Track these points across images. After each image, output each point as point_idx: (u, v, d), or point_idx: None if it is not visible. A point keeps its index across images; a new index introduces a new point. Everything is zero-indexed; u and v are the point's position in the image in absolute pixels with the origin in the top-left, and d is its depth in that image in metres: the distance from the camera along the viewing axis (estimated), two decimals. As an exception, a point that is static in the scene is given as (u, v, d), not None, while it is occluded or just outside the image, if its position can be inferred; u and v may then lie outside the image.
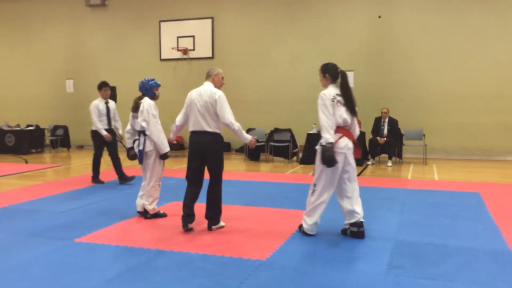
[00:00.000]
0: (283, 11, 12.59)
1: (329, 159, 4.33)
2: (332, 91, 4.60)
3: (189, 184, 4.97)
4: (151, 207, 5.46)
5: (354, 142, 4.64)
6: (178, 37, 13.44)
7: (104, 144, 7.77)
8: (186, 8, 13.41)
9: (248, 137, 4.96)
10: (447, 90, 11.40)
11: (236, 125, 4.78)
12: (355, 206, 4.58)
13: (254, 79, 12.89)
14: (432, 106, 11.53)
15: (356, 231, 4.63)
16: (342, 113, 4.52)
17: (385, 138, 10.40)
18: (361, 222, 4.62)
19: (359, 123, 10.69)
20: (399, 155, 10.67)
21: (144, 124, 5.30)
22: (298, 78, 12.08)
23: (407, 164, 10.48)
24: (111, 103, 7.82)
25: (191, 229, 4.94)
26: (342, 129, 4.57)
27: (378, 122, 10.74)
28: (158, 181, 5.48)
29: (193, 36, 13.36)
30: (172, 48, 13.43)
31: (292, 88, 12.32)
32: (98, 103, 7.66)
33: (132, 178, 7.86)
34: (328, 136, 4.39)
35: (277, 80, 12.51)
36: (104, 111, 7.66)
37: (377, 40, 11.88)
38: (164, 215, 5.57)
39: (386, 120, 10.63)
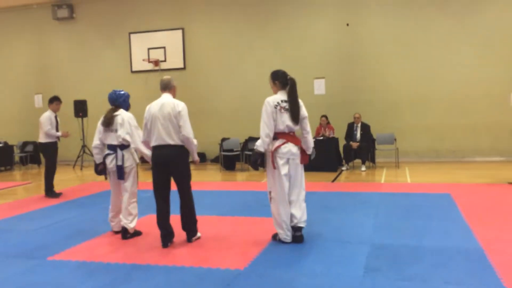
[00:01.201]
0: (252, 20, 12.68)
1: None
2: (278, 97, 4.72)
3: (158, 201, 4.82)
4: (132, 225, 5.24)
5: (301, 149, 4.73)
6: (148, 49, 13.36)
7: (55, 155, 8.13)
8: (155, 19, 13.36)
9: (197, 157, 5.03)
10: (416, 94, 11.67)
11: (195, 141, 4.79)
12: (293, 210, 4.70)
13: (226, 88, 12.91)
14: (402, 110, 11.77)
15: (293, 235, 4.74)
16: (285, 119, 4.64)
17: (358, 143, 10.56)
18: (299, 227, 4.71)
19: (332, 129, 10.94)
20: (372, 160, 10.84)
21: (128, 137, 5.12)
22: (269, 86, 12.14)
23: (380, 168, 10.66)
24: (57, 117, 8.24)
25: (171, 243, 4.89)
26: (286, 135, 4.68)
27: (351, 127, 10.89)
28: (135, 198, 5.33)
29: (164, 47, 13.30)
30: (143, 60, 13.33)
31: (264, 97, 12.25)
32: (50, 115, 8.04)
33: (59, 195, 8.10)
34: (259, 143, 4.61)
35: (250, 89, 12.55)
36: (55, 123, 8.06)
37: (346, 47, 12.08)
38: (139, 233, 5.36)
39: (359, 125, 10.79)
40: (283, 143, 4.65)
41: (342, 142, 10.91)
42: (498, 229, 5.05)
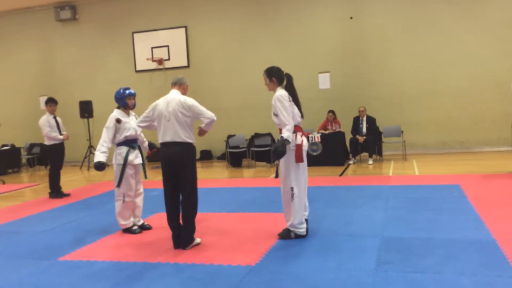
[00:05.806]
0: (255, 16, 12.63)
1: (280, 154, 4.45)
2: (284, 92, 4.74)
3: (167, 200, 4.66)
4: (120, 224, 5.48)
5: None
6: (152, 48, 13.34)
7: (60, 157, 8.22)
8: (158, 18, 13.34)
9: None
10: (421, 86, 11.58)
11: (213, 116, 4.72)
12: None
13: (231, 86, 12.88)
14: (408, 102, 11.69)
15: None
16: (296, 112, 4.73)
17: (365, 137, 10.51)
18: (306, 219, 4.82)
19: (338, 124, 10.89)
20: (379, 153, 10.79)
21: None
22: (275, 82, 12.10)
23: (387, 161, 10.61)
24: (58, 118, 8.30)
25: None
26: (300, 129, 4.74)
27: (356, 121, 10.84)
28: (119, 197, 5.40)
29: (167, 46, 13.28)
30: (147, 59, 13.33)
31: (269, 93, 12.31)
32: (47, 118, 8.15)
33: (67, 195, 8.26)
34: (288, 134, 4.47)
35: (254, 86, 12.48)
36: (54, 124, 8.13)
37: (350, 40, 12.00)
38: (149, 227, 5.50)
39: (364, 118, 10.74)
40: (302, 135, 4.68)
41: (348, 136, 10.86)
42: (510, 220, 5.00)
